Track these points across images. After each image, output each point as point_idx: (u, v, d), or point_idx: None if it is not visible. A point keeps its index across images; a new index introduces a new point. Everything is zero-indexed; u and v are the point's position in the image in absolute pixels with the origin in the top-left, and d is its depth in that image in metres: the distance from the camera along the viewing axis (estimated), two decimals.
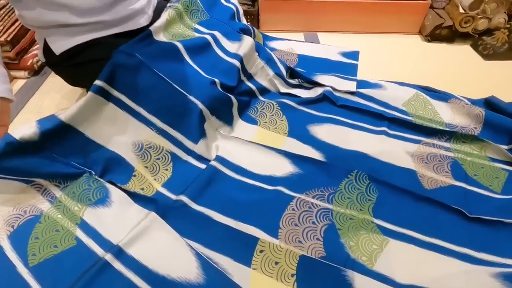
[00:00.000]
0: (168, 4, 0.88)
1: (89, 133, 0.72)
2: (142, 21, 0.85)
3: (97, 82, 0.71)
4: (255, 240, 0.62)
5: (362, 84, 0.99)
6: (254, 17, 1.31)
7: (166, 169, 0.74)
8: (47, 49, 0.80)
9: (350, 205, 0.68)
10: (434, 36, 1.25)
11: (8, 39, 1.04)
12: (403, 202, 0.68)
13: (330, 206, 0.67)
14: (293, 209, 0.67)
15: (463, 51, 1.22)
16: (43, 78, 1.13)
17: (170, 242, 0.60)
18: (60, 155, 0.68)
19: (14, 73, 1.12)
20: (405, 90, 0.96)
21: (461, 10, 1.19)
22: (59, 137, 0.67)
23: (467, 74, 1.11)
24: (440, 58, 1.19)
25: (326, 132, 0.84)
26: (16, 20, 1.08)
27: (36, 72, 1.15)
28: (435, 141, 0.82)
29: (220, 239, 0.62)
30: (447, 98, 0.92)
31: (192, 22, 0.92)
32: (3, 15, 1.05)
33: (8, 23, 1.06)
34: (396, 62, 1.17)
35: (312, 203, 0.68)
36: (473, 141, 0.81)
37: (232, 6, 1.03)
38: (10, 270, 0.57)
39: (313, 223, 0.65)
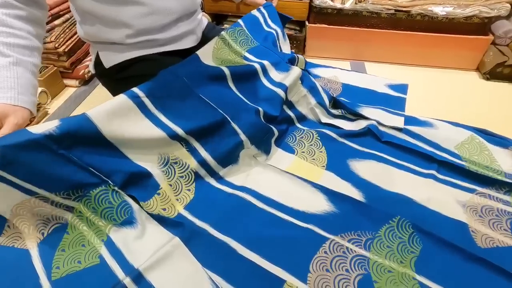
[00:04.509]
0: (222, 32, 0.88)
1: (115, 141, 0.64)
2: (191, 42, 0.86)
3: (136, 91, 0.67)
4: (281, 281, 0.57)
5: (410, 120, 0.93)
6: (300, 42, 1.30)
7: (189, 189, 0.72)
8: (98, 62, 0.83)
9: (390, 255, 0.61)
10: (494, 74, 1.16)
11: (66, 50, 1.11)
12: (451, 259, 0.60)
13: (367, 254, 0.61)
14: (325, 252, 0.61)
15: None
16: (91, 89, 1.19)
17: (191, 273, 0.57)
18: (77, 157, 0.59)
19: (66, 81, 1.19)
20: (458, 131, 0.89)
21: None
22: (81, 137, 0.59)
23: None
24: (500, 98, 1.09)
25: (368, 169, 0.79)
26: (75, 33, 1.15)
27: (86, 82, 1.22)
28: (492, 192, 0.74)
29: (244, 275, 0.58)
30: (507, 145, 0.84)
31: (241, 49, 0.91)
32: (65, 29, 1.13)
33: (68, 35, 1.14)
34: (449, 99, 1.09)
35: (347, 248, 0.62)
36: None
37: (273, 31, 1.01)
38: (33, 280, 0.57)
39: (347, 271, 0.59)
